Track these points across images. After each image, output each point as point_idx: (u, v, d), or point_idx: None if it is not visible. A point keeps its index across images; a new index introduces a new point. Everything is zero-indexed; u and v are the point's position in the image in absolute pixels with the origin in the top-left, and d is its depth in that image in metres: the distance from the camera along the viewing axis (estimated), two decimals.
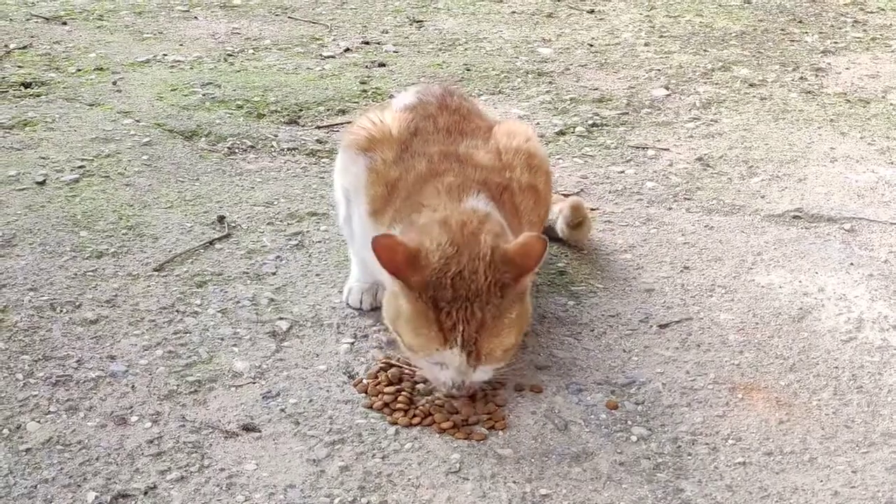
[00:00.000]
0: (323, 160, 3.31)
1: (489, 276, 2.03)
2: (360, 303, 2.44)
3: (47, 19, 4.71)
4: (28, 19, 4.70)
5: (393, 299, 2.09)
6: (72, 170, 3.14)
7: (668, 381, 2.27)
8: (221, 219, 2.88)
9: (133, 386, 2.19)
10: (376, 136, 2.36)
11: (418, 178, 2.25)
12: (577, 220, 2.71)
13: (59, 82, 3.88)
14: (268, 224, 2.87)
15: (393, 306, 2.09)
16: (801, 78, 4.19)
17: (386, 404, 2.14)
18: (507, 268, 2.04)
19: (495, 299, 2.03)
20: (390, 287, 2.09)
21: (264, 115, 3.66)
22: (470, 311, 2.01)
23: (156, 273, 2.61)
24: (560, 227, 2.74)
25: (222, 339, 2.36)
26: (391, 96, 3.73)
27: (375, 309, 2.37)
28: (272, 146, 3.41)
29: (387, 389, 2.17)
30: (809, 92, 4.04)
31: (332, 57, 4.34)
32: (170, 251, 2.71)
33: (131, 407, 2.13)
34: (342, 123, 3.59)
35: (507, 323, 2.06)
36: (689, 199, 3.11)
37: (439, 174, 2.24)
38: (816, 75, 4.23)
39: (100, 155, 3.26)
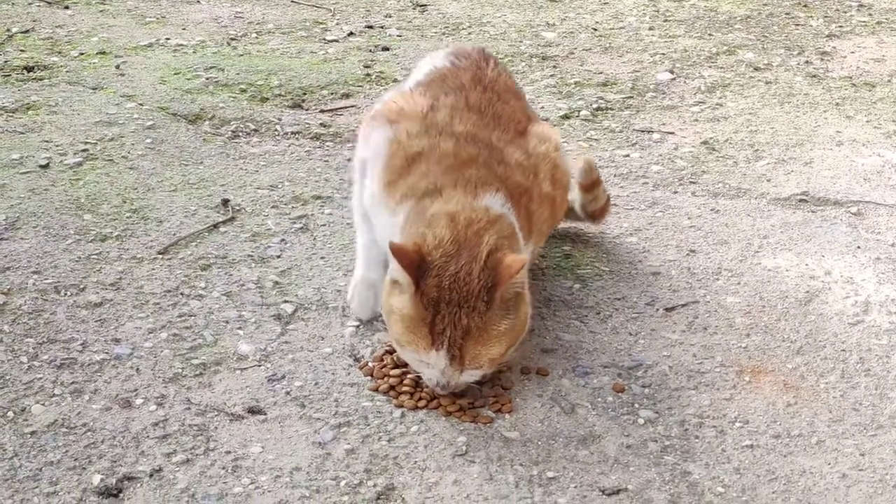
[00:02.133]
0: (327, 143, 3.30)
1: (482, 279, 2.00)
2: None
3: (49, 3, 4.69)
4: (30, 3, 4.68)
5: (388, 294, 2.06)
6: (75, 153, 3.13)
7: (675, 364, 2.26)
8: (226, 202, 2.87)
9: (138, 369, 2.19)
10: (405, 109, 2.31)
11: (441, 159, 2.19)
12: (591, 179, 2.61)
13: (61, 66, 3.87)
14: (272, 207, 2.86)
15: (389, 298, 2.06)
16: (807, 62, 4.17)
17: (392, 387, 2.14)
18: (491, 274, 2.01)
19: (481, 306, 2.00)
20: (389, 280, 2.06)
21: (268, 98, 3.65)
22: (458, 317, 1.99)
23: (160, 256, 2.60)
24: (578, 199, 2.66)
25: (227, 322, 2.35)
26: (395, 80, 3.72)
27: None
28: (276, 130, 3.40)
29: (392, 372, 2.16)
30: (815, 76, 4.02)
31: (336, 41, 4.32)
32: (174, 234, 2.70)
33: (136, 390, 2.13)
34: (346, 107, 3.58)
35: (494, 334, 2.02)
36: (694, 183, 3.10)
37: (464, 163, 2.18)
38: (822, 59, 4.21)
39: (103, 138, 3.25)
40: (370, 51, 4.18)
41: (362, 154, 2.38)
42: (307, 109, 3.59)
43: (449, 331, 1.99)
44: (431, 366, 2.03)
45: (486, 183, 2.15)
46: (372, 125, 2.35)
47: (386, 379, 2.16)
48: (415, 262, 1.99)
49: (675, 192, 3.04)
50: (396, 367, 2.18)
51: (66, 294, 2.43)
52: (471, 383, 2.10)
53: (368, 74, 3.89)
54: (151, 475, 1.91)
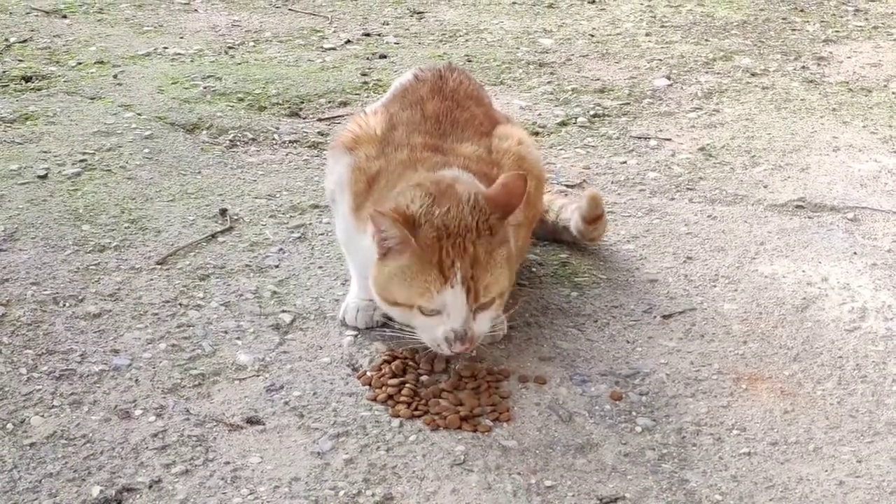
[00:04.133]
0: (325, 152, 3.30)
1: (475, 215, 2.06)
2: (356, 321, 2.37)
3: (47, 13, 4.70)
4: (28, 13, 4.69)
5: (381, 267, 2.09)
6: (73, 163, 3.14)
7: (672, 372, 2.27)
8: (224, 212, 2.88)
9: (137, 379, 2.19)
10: (361, 135, 2.36)
11: (398, 166, 2.25)
12: (595, 214, 2.62)
13: (59, 76, 3.88)
14: (270, 217, 2.87)
15: (383, 274, 2.09)
16: (803, 67, 4.18)
17: (390, 396, 2.14)
18: (492, 209, 2.08)
19: (485, 234, 2.06)
20: (376, 262, 2.10)
21: (265, 107, 3.66)
22: (463, 247, 2.03)
23: (158, 266, 2.61)
24: (575, 224, 2.66)
25: (226, 333, 2.35)
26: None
27: (371, 328, 2.35)
28: (274, 139, 3.41)
29: (391, 382, 2.17)
30: (811, 81, 4.03)
31: (333, 49, 4.33)
32: (172, 244, 2.71)
33: (135, 401, 2.13)
34: (344, 116, 3.58)
35: (498, 260, 2.08)
36: (691, 190, 3.11)
37: (418, 160, 2.24)
38: (818, 64, 4.22)
39: (101, 148, 3.26)
40: (367, 59, 4.19)
41: (330, 187, 2.42)
42: (305, 118, 3.60)
43: (458, 262, 2.03)
44: (447, 311, 2.04)
45: (445, 164, 2.22)
46: (334, 156, 2.40)
47: (384, 388, 2.16)
48: (401, 218, 2.03)
49: (672, 199, 3.04)
50: (395, 376, 2.19)
51: (64, 305, 2.44)
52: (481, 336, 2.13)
53: (366, 82, 3.90)
54: (151, 486, 1.91)
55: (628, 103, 3.77)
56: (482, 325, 2.10)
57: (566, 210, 2.69)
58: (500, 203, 2.10)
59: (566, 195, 2.97)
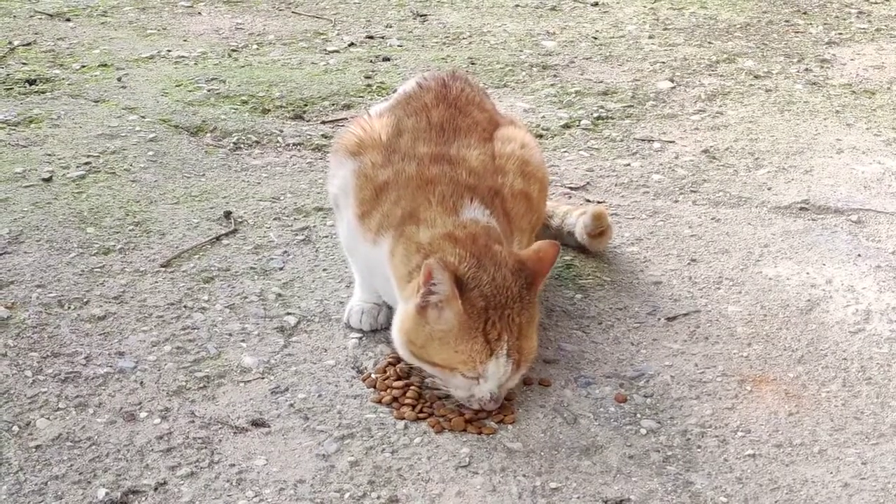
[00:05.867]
0: (329, 155, 3.30)
1: (518, 283, 2.06)
2: (361, 323, 2.37)
3: (51, 16, 4.70)
4: (32, 16, 4.69)
5: (419, 324, 2.06)
6: (78, 166, 3.14)
7: (677, 374, 2.27)
8: (228, 214, 2.88)
9: (142, 382, 2.20)
10: (365, 140, 2.35)
11: (408, 183, 2.23)
12: (599, 230, 2.65)
13: (63, 79, 3.88)
14: (274, 219, 2.87)
15: (420, 332, 2.06)
16: (807, 69, 4.18)
17: (395, 398, 2.15)
18: (524, 273, 2.08)
19: (528, 304, 2.07)
20: (414, 310, 2.06)
21: (269, 110, 3.66)
22: (510, 319, 2.04)
23: (163, 269, 2.61)
24: (580, 235, 2.68)
25: (230, 335, 2.36)
26: (395, 91, 3.73)
27: (376, 330, 2.35)
28: (278, 141, 3.41)
29: (395, 384, 2.17)
30: (815, 83, 4.03)
31: (337, 51, 4.33)
32: (177, 247, 2.71)
33: (140, 403, 2.13)
34: (347, 118, 3.58)
35: (534, 326, 2.11)
36: (695, 192, 3.11)
37: (430, 181, 2.22)
38: (821, 66, 4.22)
39: (105, 151, 3.26)
40: (371, 61, 4.20)
41: (333, 191, 2.41)
42: (308, 121, 3.60)
43: (505, 335, 2.03)
44: (488, 378, 2.04)
45: (459, 196, 2.19)
46: (337, 160, 2.39)
47: (389, 391, 2.16)
48: (453, 278, 2.01)
49: (676, 202, 3.05)
50: (399, 378, 2.19)
51: (69, 308, 2.44)
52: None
53: (369, 85, 3.91)
54: (156, 489, 1.91)
55: (632, 106, 3.77)
56: (514, 383, 2.12)
57: (571, 215, 2.71)
58: (532, 269, 2.10)
59: (570, 197, 2.98)
